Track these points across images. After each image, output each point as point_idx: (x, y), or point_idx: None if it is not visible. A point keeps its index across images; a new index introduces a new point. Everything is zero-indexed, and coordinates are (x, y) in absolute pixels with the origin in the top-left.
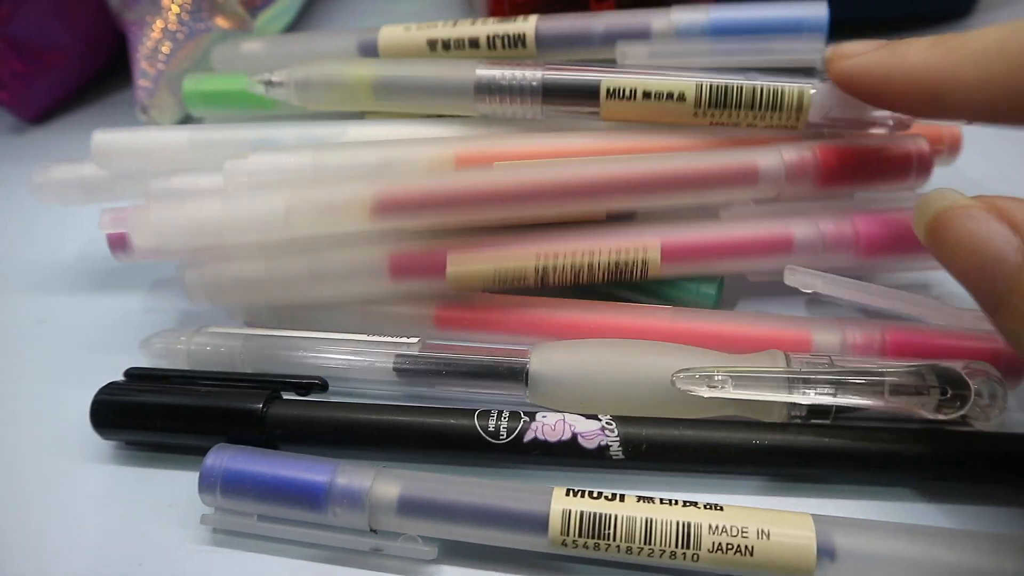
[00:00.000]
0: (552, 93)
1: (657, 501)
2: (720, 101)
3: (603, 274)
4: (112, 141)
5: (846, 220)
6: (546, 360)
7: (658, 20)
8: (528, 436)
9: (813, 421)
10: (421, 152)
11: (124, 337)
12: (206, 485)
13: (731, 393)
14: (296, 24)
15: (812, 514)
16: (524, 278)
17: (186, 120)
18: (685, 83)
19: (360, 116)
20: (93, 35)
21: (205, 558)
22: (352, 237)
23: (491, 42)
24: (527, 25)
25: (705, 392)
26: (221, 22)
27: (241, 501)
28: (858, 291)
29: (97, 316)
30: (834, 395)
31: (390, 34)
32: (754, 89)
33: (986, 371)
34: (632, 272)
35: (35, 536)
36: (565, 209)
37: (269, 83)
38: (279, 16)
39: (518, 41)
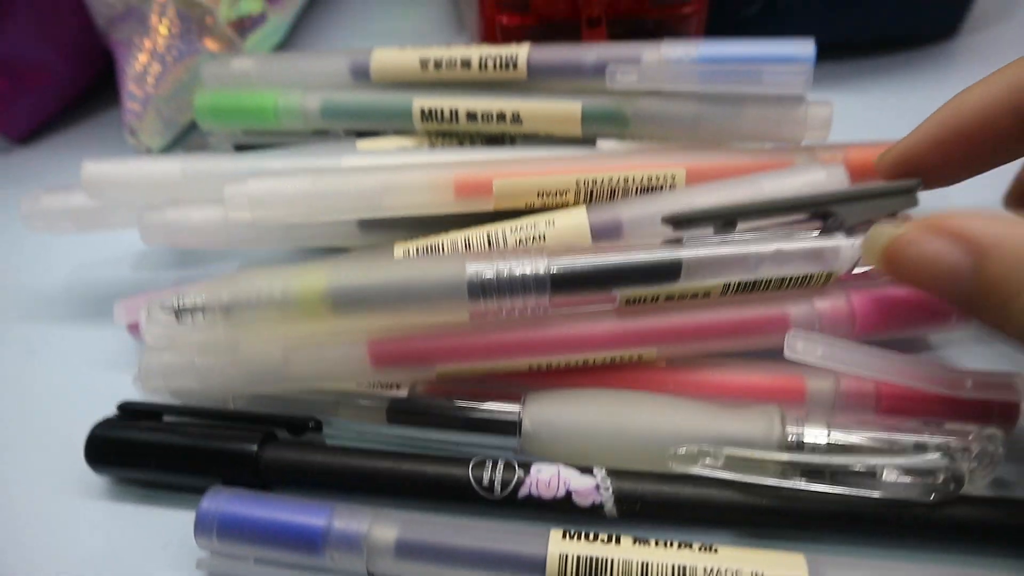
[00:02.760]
0: (564, 284)
1: (653, 544)
2: (747, 287)
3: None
4: (103, 172)
5: (841, 297)
6: (539, 416)
7: (649, 52)
8: (522, 492)
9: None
10: (419, 177)
11: (117, 368)
12: (202, 529)
13: (724, 474)
14: (285, 45)
15: (805, 554)
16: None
17: (175, 142)
18: (712, 284)
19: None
20: (79, 52)
21: None
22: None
23: (483, 63)
24: (520, 50)
25: (698, 471)
26: (210, 44)
27: (237, 545)
28: (864, 361)
29: (89, 345)
30: (829, 483)
31: (383, 56)
32: (783, 280)
33: (982, 437)
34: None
35: (25, 574)
36: (584, 359)
37: (181, 310)
38: (268, 37)
39: (510, 63)
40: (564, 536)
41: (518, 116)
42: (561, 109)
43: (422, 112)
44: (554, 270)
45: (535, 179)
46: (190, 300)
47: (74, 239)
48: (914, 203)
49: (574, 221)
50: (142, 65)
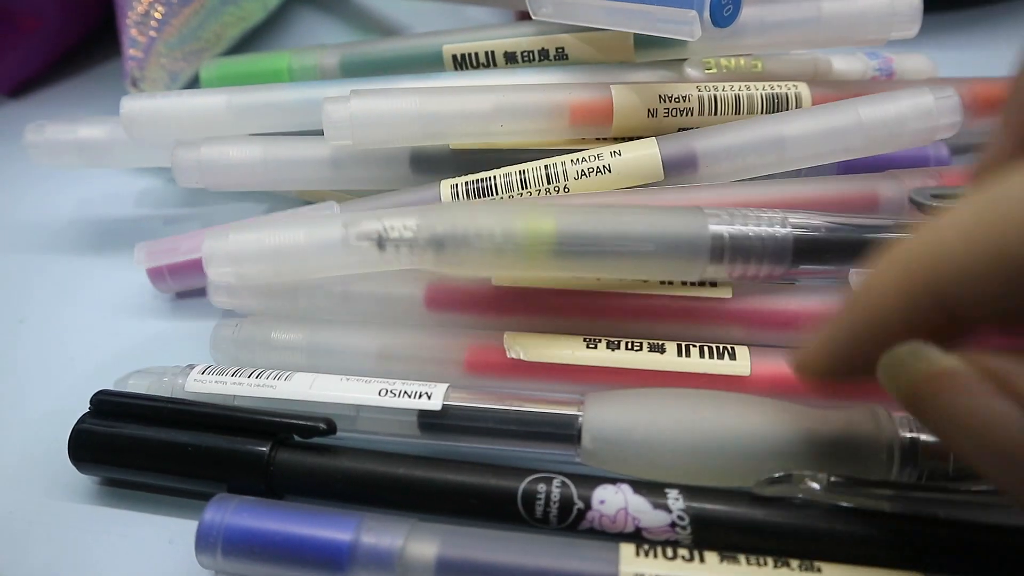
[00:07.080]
0: (807, 252)
1: (743, 561)
2: None
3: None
4: (143, 107)
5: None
6: (602, 425)
7: None
8: (583, 526)
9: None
10: (536, 98)
11: (112, 340)
12: (205, 544)
13: (826, 498)
14: None
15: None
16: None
17: None
18: None
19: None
20: None
21: None
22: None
23: None
24: None
25: (793, 494)
26: None
27: (246, 563)
28: None
29: (83, 313)
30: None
31: None
32: None
33: None
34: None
35: None
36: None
37: (385, 240)
38: None
39: None
40: (637, 553)
41: (563, 51)
42: (609, 35)
43: (454, 59)
44: (796, 234)
45: (655, 85)
46: (397, 231)
47: (68, 186)
48: None
49: (644, 152)
50: (144, 7)
